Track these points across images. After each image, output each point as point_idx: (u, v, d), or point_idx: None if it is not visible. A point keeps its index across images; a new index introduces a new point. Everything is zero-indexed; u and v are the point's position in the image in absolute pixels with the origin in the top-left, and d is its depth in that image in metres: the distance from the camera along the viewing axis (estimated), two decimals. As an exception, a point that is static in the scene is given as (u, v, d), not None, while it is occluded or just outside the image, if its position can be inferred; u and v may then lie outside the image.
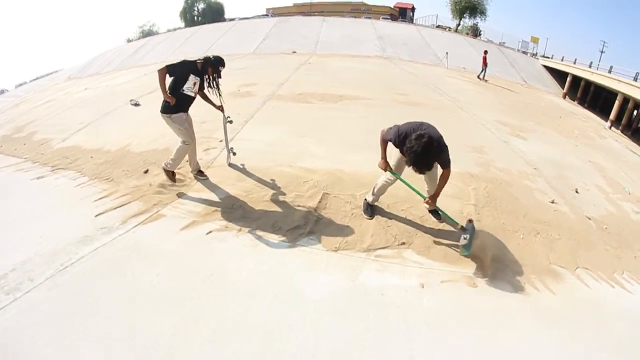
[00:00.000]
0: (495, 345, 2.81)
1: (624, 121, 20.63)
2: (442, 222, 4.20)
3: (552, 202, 5.41)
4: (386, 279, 3.34)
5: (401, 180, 3.73)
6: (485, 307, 3.18)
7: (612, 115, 20.22)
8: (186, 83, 4.04)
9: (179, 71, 4.04)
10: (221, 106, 4.66)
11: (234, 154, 5.09)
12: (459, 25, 43.08)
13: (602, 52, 44.97)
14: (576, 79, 26.87)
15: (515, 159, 6.79)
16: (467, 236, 3.59)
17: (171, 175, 4.48)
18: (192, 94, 4.20)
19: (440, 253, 3.86)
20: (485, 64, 18.84)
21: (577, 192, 6.46)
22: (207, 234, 3.78)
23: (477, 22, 43.13)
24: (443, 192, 3.75)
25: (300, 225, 3.90)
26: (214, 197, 4.41)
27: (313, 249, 3.61)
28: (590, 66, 26.76)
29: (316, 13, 39.04)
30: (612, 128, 19.11)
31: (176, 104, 4.05)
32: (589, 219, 5.60)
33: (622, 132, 19.51)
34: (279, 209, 4.16)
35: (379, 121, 7.29)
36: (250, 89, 9.38)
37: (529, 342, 2.88)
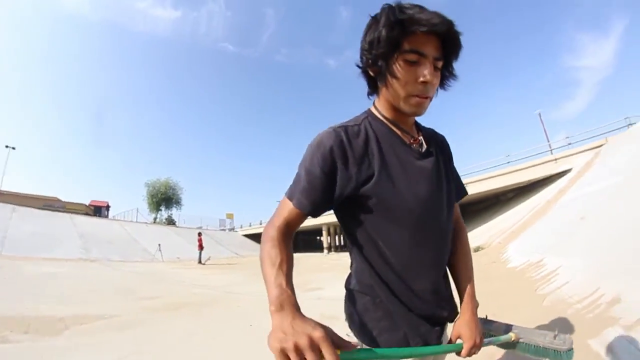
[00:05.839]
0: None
1: (334, 243, 27.50)
2: None
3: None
4: None
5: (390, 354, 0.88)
6: None
7: (324, 244, 26.38)
8: None
9: None
10: None
11: None
12: (156, 218, 41.18)
13: None
14: None
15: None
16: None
17: None
18: None
19: None
20: (201, 246, 17.99)
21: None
22: None
23: (172, 213, 42.52)
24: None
25: None
26: None
27: None
28: None
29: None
30: (330, 253, 24.64)
31: None
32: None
33: (337, 251, 26.13)
34: None
35: (155, 353, 3.83)
36: None
37: None
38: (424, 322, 1.04)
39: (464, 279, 1.18)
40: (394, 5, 0.92)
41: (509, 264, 7.02)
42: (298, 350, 0.68)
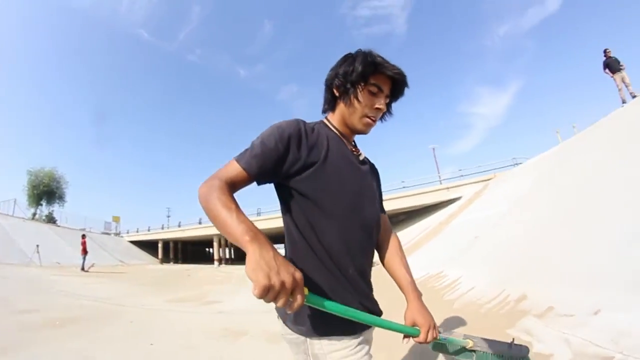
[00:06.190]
0: None
1: (224, 256, 27.21)
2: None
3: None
4: None
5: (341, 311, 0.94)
6: None
7: (215, 256, 26.53)
8: None
9: None
10: None
11: None
12: (35, 213, 35.19)
13: (168, 216, 50.21)
14: (165, 243, 30.32)
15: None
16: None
17: None
18: None
19: None
20: (85, 251, 15.94)
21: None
22: None
23: (53, 210, 35.49)
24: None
25: None
26: None
27: None
28: (179, 226, 29.88)
29: None
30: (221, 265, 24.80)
31: None
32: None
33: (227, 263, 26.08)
34: None
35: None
36: None
37: None
38: (360, 305, 1.10)
39: (403, 272, 1.31)
40: (368, 51, 1.21)
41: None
42: (282, 288, 0.73)
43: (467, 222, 9.83)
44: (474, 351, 1.35)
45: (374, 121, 1.24)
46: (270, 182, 1.14)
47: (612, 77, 10.02)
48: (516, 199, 8.31)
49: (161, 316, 6.13)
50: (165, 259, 29.73)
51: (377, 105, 1.20)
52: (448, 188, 17.69)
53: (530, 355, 1.37)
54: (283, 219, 1.22)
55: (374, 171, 1.41)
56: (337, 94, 1.24)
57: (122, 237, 34.49)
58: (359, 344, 1.10)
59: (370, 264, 1.25)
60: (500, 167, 18.07)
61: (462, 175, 19.58)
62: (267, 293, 0.72)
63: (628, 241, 3.10)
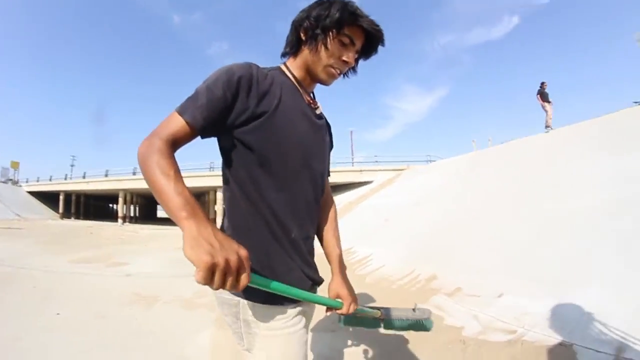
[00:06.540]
0: None
1: (129, 213, 25.34)
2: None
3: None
4: None
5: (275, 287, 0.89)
6: None
7: (120, 213, 23.91)
8: None
9: None
10: None
11: None
12: None
13: (72, 165, 45.65)
14: (67, 196, 27.83)
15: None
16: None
17: None
18: None
19: None
20: None
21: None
22: None
23: None
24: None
25: None
26: None
27: None
28: (84, 177, 27.40)
29: None
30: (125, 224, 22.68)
31: None
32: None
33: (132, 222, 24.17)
34: None
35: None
36: None
37: None
38: (301, 272, 1.08)
39: (334, 244, 1.29)
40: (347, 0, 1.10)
41: (317, 251, 7.83)
42: (227, 267, 0.66)
43: (378, 205, 10.43)
44: (382, 319, 1.44)
45: (338, 74, 1.15)
46: (216, 136, 1.03)
47: (542, 104, 11.40)
48: (428, 190, 8.97)
49: (66, 279, 5.65)
50: (66, 214, 27.20)
51: (344, 58, 1.10)
52: (361, 171, 18.51)
53: (443, 328, 1.56)
54: (223, 173, 1.13)
55: (328, 128, 1.32)
56: (303, 38, 1.14)
57: (20, 186, 30.81)
58: (298, 314, 1.05)
59: (314, 228, 1.20)
60: (415, 161, 19.44)
61: (376, 161, 20.54)
62: (212, 275, 0.63)
63: (527, 241, 3.66)
